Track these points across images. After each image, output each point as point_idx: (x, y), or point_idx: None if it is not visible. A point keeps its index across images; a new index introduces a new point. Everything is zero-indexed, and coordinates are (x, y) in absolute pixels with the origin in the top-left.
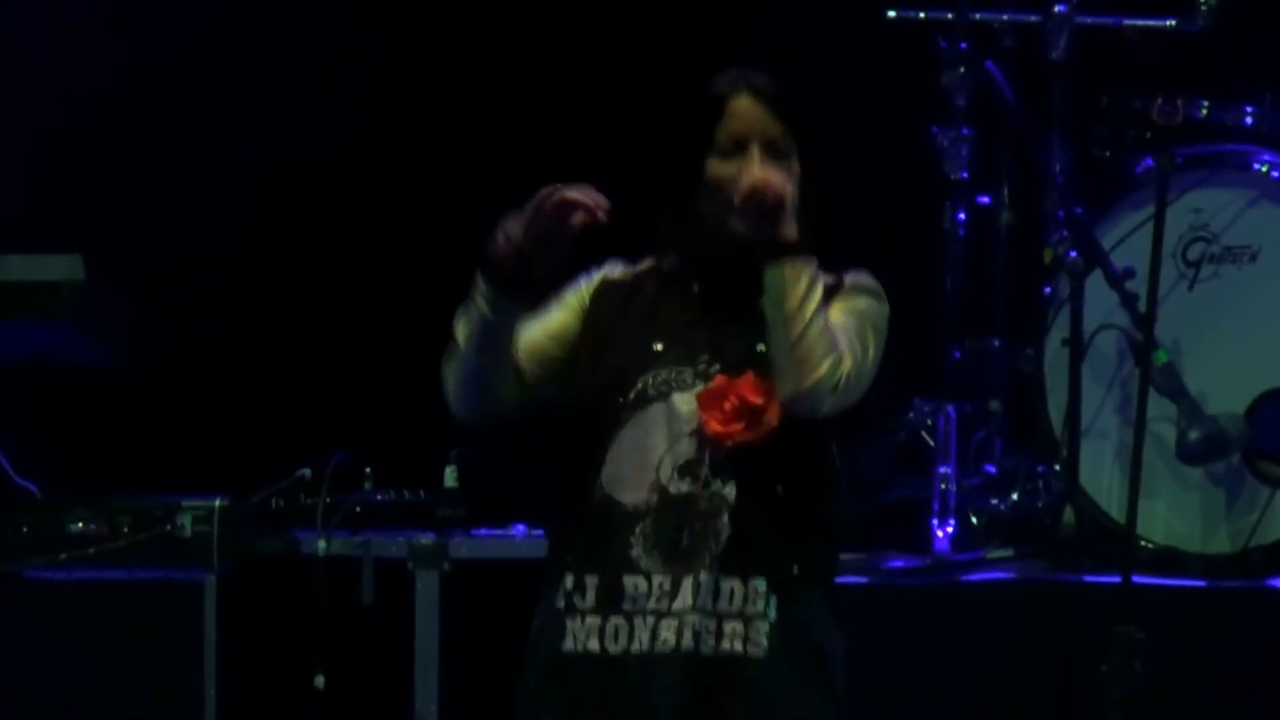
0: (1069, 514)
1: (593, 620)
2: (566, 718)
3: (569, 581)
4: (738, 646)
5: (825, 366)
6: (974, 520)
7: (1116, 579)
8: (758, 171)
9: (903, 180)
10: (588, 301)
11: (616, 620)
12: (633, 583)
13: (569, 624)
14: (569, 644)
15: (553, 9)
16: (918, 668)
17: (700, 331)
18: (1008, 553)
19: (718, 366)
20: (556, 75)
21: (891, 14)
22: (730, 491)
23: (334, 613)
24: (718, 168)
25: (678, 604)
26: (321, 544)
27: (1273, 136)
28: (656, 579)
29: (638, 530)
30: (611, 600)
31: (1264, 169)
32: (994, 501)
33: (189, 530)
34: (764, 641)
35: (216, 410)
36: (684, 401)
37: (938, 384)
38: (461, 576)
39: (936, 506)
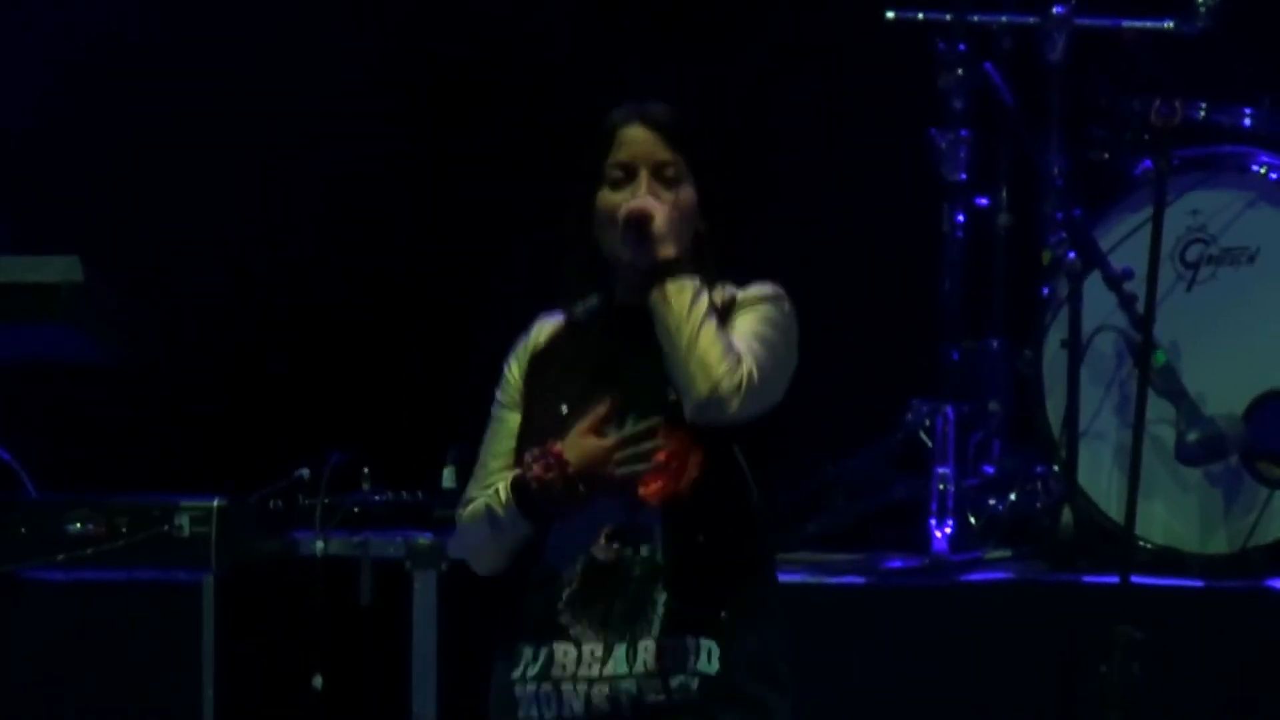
0: (1067, 515)
1: (529, 688)
2: None
3: (512, 650)
4: (668, 699)
5: (723, 369)
6: (972, 521)
7: (1115, 579)
8: (635, 200)
9: (901, 182)
10: (523, 388)
11: (546, 687)
12: (562, 649)
13: (515, 691)
14: (518, 710)
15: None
16: (916, 668)
17: (608, 388)
18: (1006, 553)
19: (630, 420)
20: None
21: (890, 15)
22: (658, 554)
23: (332, 613)
24: (608, 197)
25: (608, 669)
26: (319, 544)
27: (1271, 138)
28: (587, 646)
29: (564, 596)
30: (543, 668)
31: (1262, 170)
32: (992, 502)
33: (187, 531)
34: (697, 698)
35: (215, 411)
36: None
37: (936, 385)
38: (459, 577)
39: (935, 507)
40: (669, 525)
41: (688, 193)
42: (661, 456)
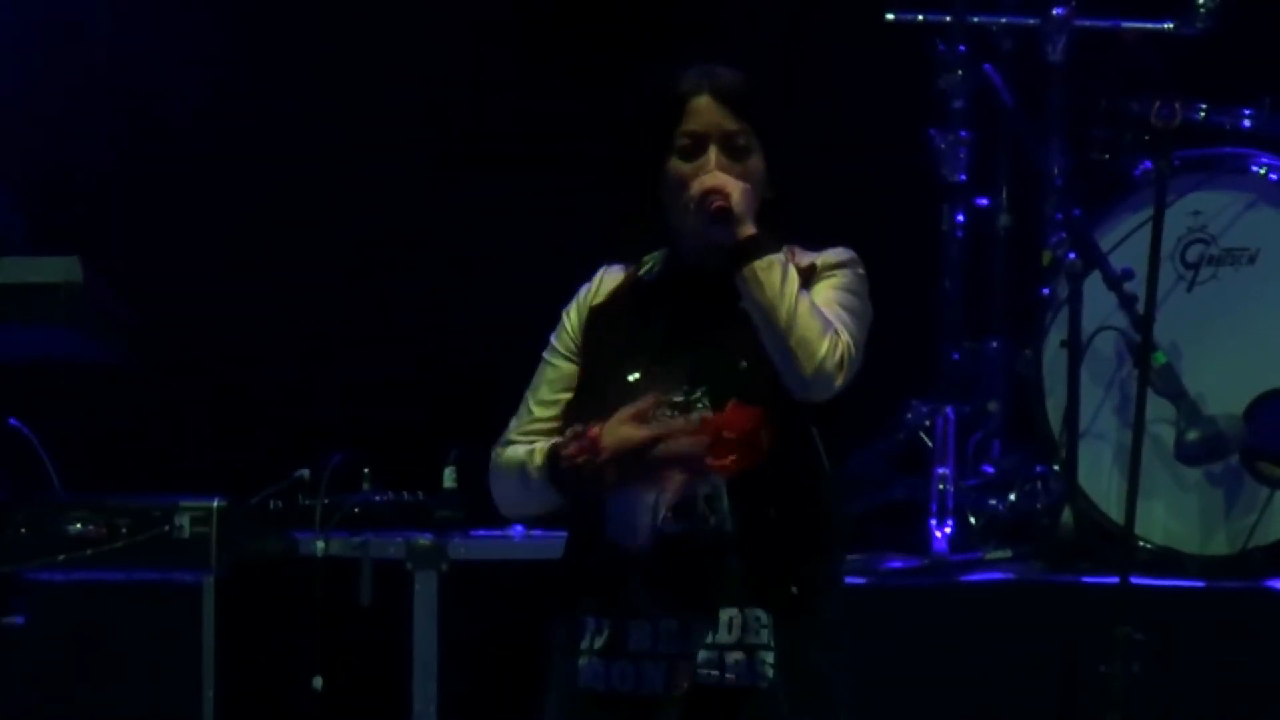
0: (1067, 515)
1: (598, 662)
2: None
3: (580, 624)
4: (743, 678)
5: (825, 346)
6: (972, 521)
7: (1115, 580)
8: (709, 177)
9: (901, 183)
10: (580, 340)
11: (622, 664)
12: (637, 625)
13: (581, 662)
14: (580, 680)
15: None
16: (916, 668)
17: (678, 355)
18: (1006, 553)
19: (698, 394)
20: (535, 73)
21: (890, 16)
22: (728, 524)
23: (332, 613)
24: (678, 166)
25: (690, 646)
26: (320, 545)
27: (1271, 139)
28: (664, 622)
29: (639, 575)
30: (616, 644)
31: (1262, 171)
32: (992, 502)
33: (187, 531)
34: (768, 672)
35: (215, 411)
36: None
37: (936, 385)
38: (460, 577)
39: (935, 507)
40: (739, 498)
41: (756, 162)
42: (732, 433)
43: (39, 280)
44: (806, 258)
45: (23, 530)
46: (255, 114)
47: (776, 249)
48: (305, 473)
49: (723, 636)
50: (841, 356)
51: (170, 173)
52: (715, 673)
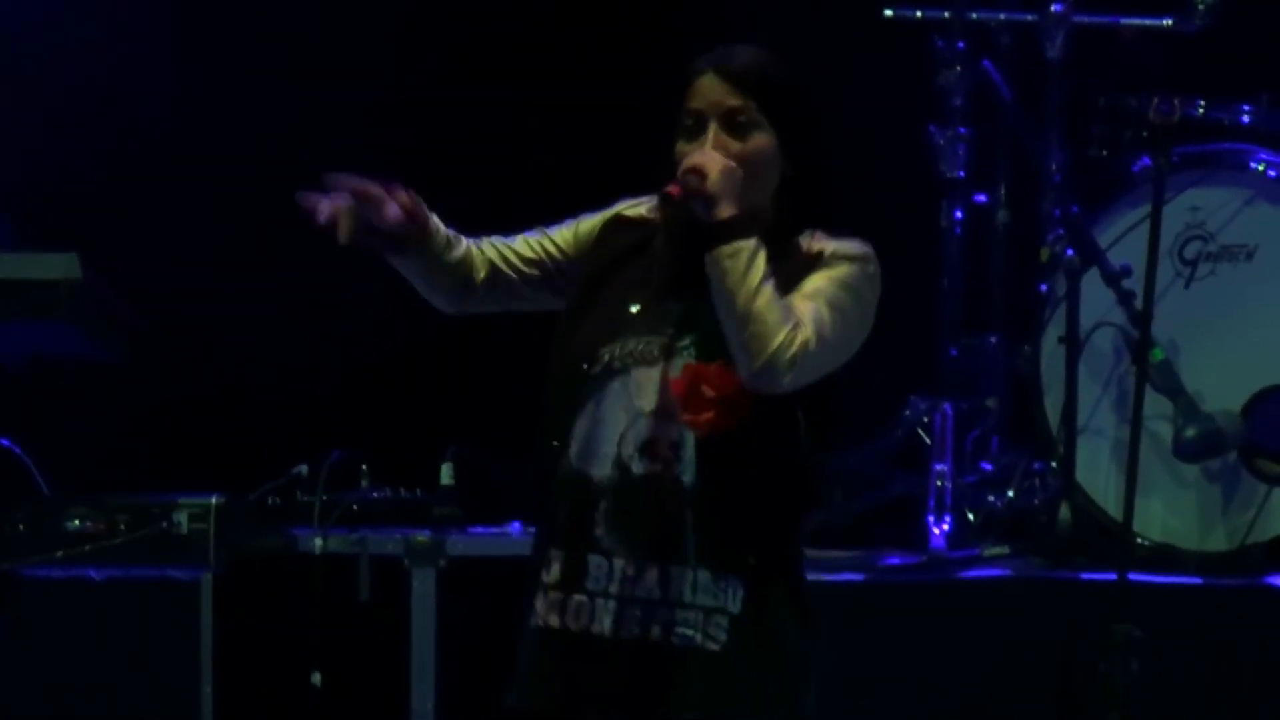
0: (1065, 511)
1: (555, 596)
2: (530, 690)
3: (541, 556)
4: (695, 638)
5: (778, 340)
6: (970, 517)
7: (1113, 576)
8: (694, 155)
9: (899, 179)
10: (596, 234)
11: (579, 598)
12: (595, 562)
13: (537, 599)
14: (535, 619)
15: None
16: (914, 665)
17: (674, 301)
18: (1004, 550)
19: (686, 341)
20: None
21: (888, 13)
22: (691, 479)
23: (331, 610)
24: (681, 146)
25: (640, 591)
26: (318, 541)
27: (1269, 135)
28: (618, 562)
29: (601, 507)
30: (574, 577)
31: (1261, 168)
32: (990, 499)
33: (185, 528)
34: (722, 635)
35: (213, 408)
36: (646, 377)
37: (934, 381)
38: (458, 574)
39: (933, 504)
40: (707, 455)
41: (760, 140)
42: (712, 391)
43: (37, 277)
44: (822, 244)
45: (21, 527)
46: (255, 112)
47: (749, 234)
48: (303, 469)
49: (678, 593)
50: (795, 355)
51: (169, 170)
52: (665, 628)
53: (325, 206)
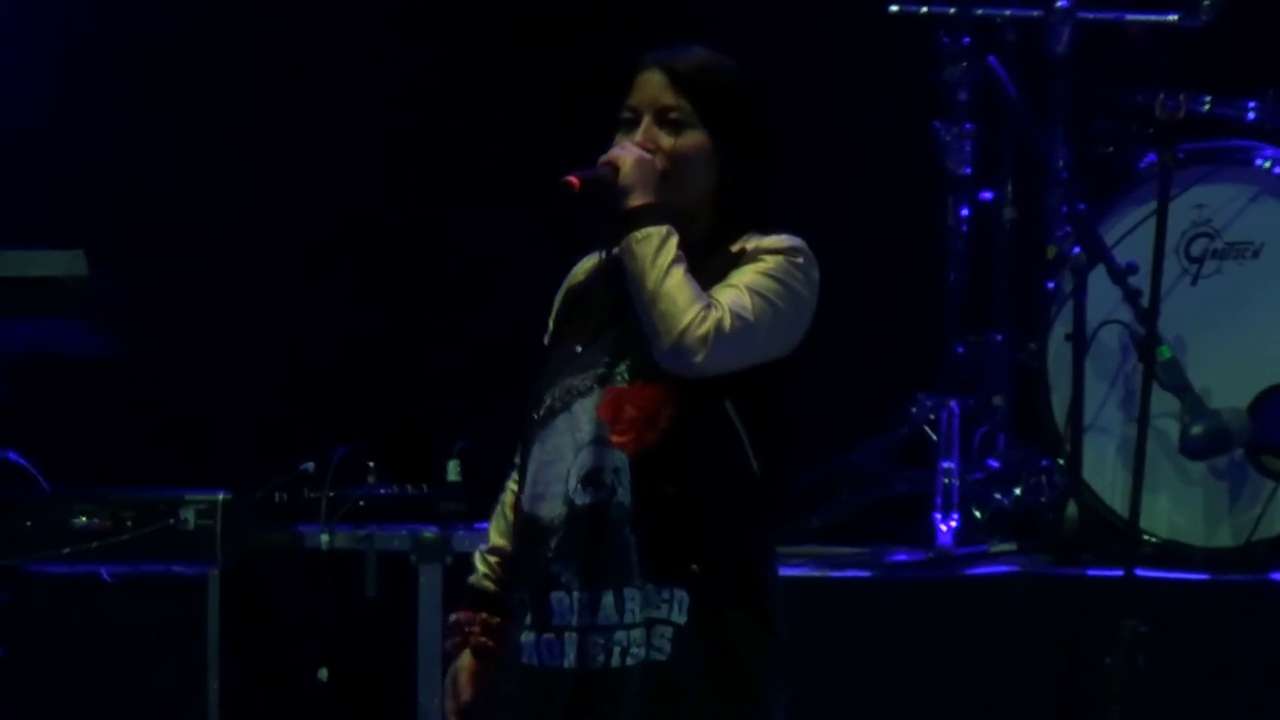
0: (1072, 508)
1: (529, 636)
2: None
3: (515, 599)
4: (639, 654)
5: (688, 318)
6: (977, 514)
7: (1119, 573)
8: (614, 148)
9: (905, 176)
10: (556, 319)
11: (548, 636)
12: (557, 598)
13: (519, 640)
14: (522, 656)
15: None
16: (920, 661)
17: (610, 329)
18: (1011, 547)
19: (622, 367)
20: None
21: (894, 9)
22: (627, 499)
23: (337, 606)
24: (619, 139)
25: (600, 619)
26: (325, 538)
27: (1275, 132)
28: (576, 594)
29: (552, 545)
30: (542, 616)
31: (1266, 164)
32: (997, 496)
33: (192, 524)
34: (666, 646)
35: (220, 404)
36: (583, 410)
37: (941, 379)
38: (464, 570)
39: (939, 501)
40: (638, 474)
41: (691, 138)
42: (634, 410)
43: (44, 274)
44: (753, 241)
45: (28, 524)
46: (263, 107)
47: (659, 223)
48: (310, 465)
49: (629, 614)
50: (706, 333)
51: (175, 165)
52: (622, 651)
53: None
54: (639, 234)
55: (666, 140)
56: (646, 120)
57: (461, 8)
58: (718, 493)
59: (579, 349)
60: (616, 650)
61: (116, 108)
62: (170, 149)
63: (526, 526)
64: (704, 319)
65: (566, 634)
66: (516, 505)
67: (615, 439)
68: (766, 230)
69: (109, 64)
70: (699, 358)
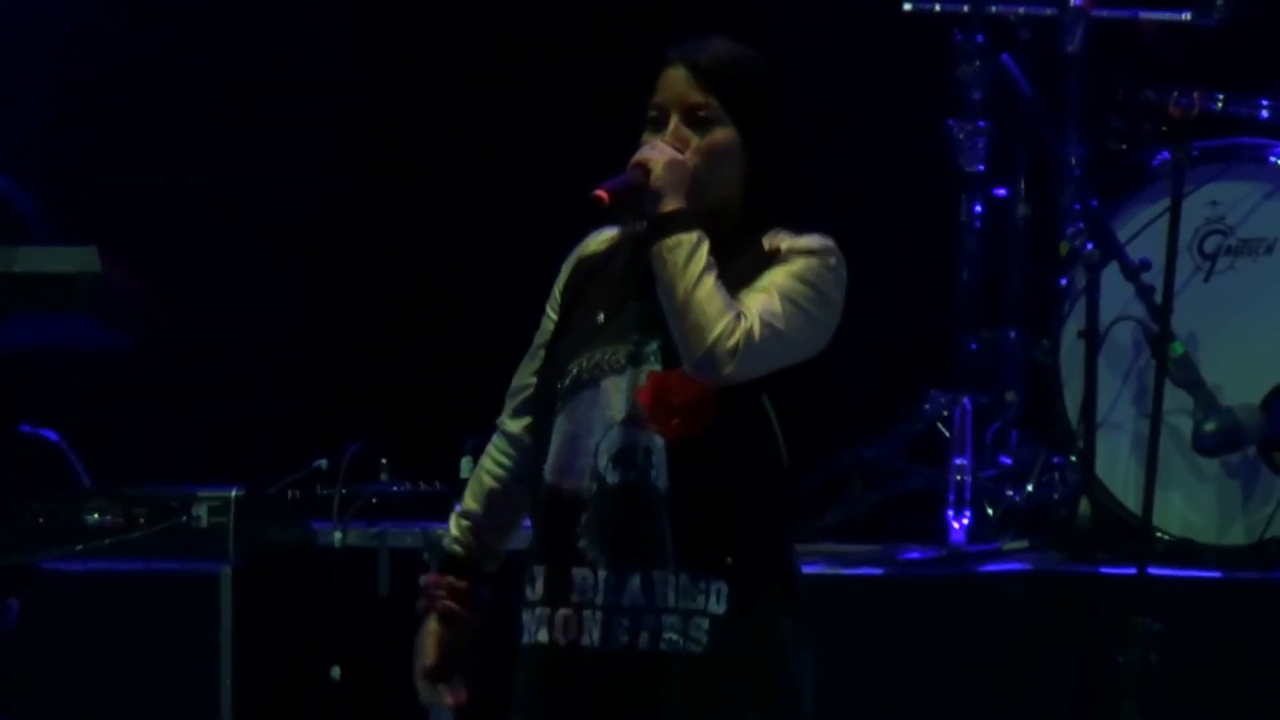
0: (1085, 505)
1: (542, 611)
2: (525, 707)
3: (528, 573)
4: (677, 642)
5: (718, 329)
6: (990, 511)
7: (1132, 570)
8: (644, 148)
9: (919, 173)
10: (565, 290)
11: (565, 611)
12: (580, 575)
13: (525, 616)
14: (525, 636)
15: None
16: (933, 658)
17: (636, 304)
18: (1023, 544)
19: (652, 346)
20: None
21: (907, 6)
22: (664, 484)
23: (350, 604)
24: (646, 137)
25: (625, 600)
26: (337, 535)
27: None
28: (602, 573)
29: (581, 520)
30: (559, 591)
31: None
32: (1010, 493)
33: (205, 521)
34: (703, 638)
35: (233, 401)
36: (614, 386)
37: (954, 375)
38: None
39: (952, 498)
40: (677, 462)
41: (721, 135)
42: (679, 399)
43: (57, 270)
44: (784, 240)
45: (41, 520)
46: (272, 104)
47: (692, 228)
48: (323, 463)
49: (661, 599)
50: (736, 344)
51: (188, 162)
52: (651, 635)
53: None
54: (670, 241)
55: (695, 138)
56: (675, 120)
57: (445, 14)
58: (754, 485)
59: (602, 317)
60: (644, 634)
61: (128, 100)
62: (188, 143)
63: (550, 499)
64: (734, 330)
65: (586, 611)
66: (538, 476)
67: (654, 425)
68: (793, 223)
69: (120, 57)
70: (729, 369)
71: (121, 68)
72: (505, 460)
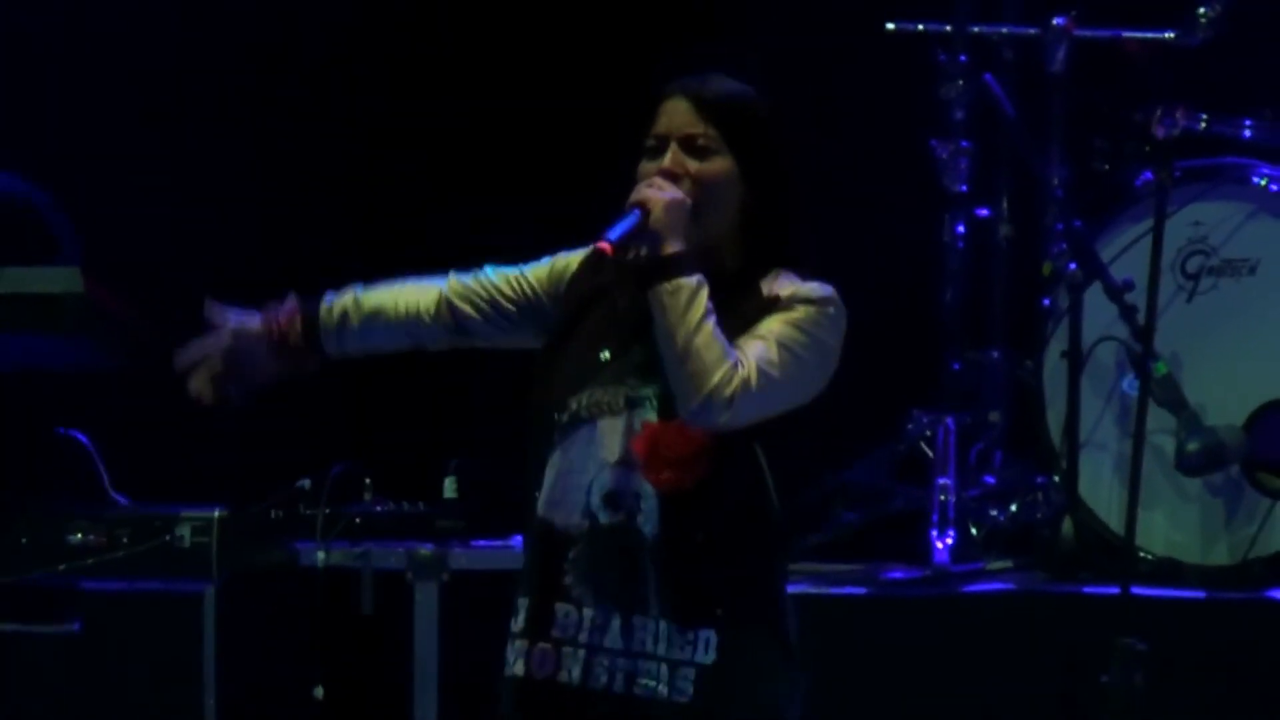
0: (1068, 525)
1: (521, 644)
2: None
3: (514, 605)
4: (654, 689)
5: (716, 378)
6: (973, 531)
7: (1116, 590)
8: (643, 186)
9: (902, 193)
10: (572, 272)
11: (544, 646)
12: (564, 610)
13: (508, 648)
14: (506, 669)
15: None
16: (917, 678)
17: (637, 347)
18: (1007, 564)
19: (647, 391)
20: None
21: (890, 26)
22: (651, 530)
23: (333, 624)
24: (644, 167)
25: (607, 641)
26: (321, 555)
27: (1271, 149)
28: (587, 611)
29: (570, 556)
30: (540, 625)
31: (1263, 182)
32: (993, 513)
33: (188, 541)
34: (689, 688)
35: (216, 421)
36: (610, 428)
37: (937, 395)
38: (460, 587)
39: (936, 518)
40: (667, 512)
41: (719, 165)
42: (671, 452)
43: (40, 290)
44: (786, 285)
45: (23, 540)
46: (260, 121)
47: (692, 272)
48: (306, 482)
49: (640, 644)
50: (733, 393)
51: (175, 179)
52: (627, 679)
53: (194, 354)
54: (669, 286)
55: (693, 165)
56: (673, 147)
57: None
58: (746, 534)
59: (607, 355)
60: (620, 676)
61: (119, 116)
62: (173, 161)
63: (541, 532)
64: (731, 379)
65: (567, 648)
66: (530, 509)
67: (649, 476)
68: (792, 263)
69: (113, 70)
70: (724, 418)
71: (118, 79)
72: (422, 304)
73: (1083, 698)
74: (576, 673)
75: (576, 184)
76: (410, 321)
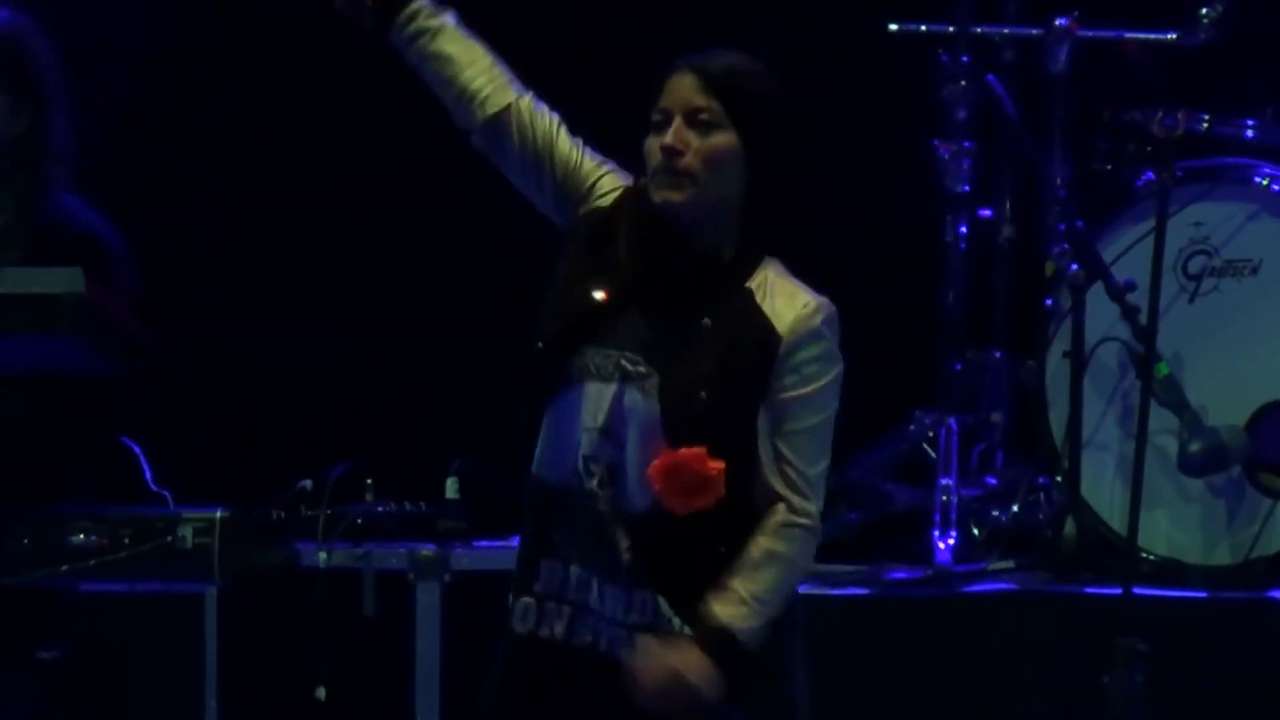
0: (1070, 526)
1: (511, 599)
2: (489, 693)
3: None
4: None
5: (802, 566)
6: (975, 532)
7: (1118, 591)
8: (669, 135)
9: (904, 194)
10: (604, 191)
11: (526, 600)
12: (549, 566)
13: (510, 602)
14: (508, 624)
15: None
16: (920, 679)
17: (641, 316)
18: (1009, 564)
19: (645, 370)
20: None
21: (893, 27)
22: (627, 505)
23: (335, 624)
24: (649, 141)
25: (590, 601)
26: (323, 556)
27: (1273, 149)
28: (574, 569)
29: (558, 512)
30: (525, 580)
31: (1264, 182)
32: (995, 513)
33: (190, 542)
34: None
35: (217, 422)
36: (599, 394)
37: (939, 396)
38: (463, 588)
39: (938, 518)
40: (688, 529)
41: (721, 139)
42: (689, 478)
43: (41, 291)
44: (782, 296)
45: (25, 541)
46: (260, 124)
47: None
48: (308, 483)
49: (613, 610)
50: (816, 527)
51: (174, 182)
52: (609, 641)
53: None
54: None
55: (697, 140)
56: (677, 120)
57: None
58: (727, 520)
59: (599, 296)
60: (602, 639)
61: (117, 119)
62: (172, 163)
63: (535, 488)
64: (806, 536)
65: (550, 603)
66: (529, 456)
67: (670, 504)
68: (785, 251)
69: (110, 76)
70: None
71: (115, 84)
72: (487, 92)
73: (1084, 698)
74: (560, 629)
75: None
76: (466, 95)
